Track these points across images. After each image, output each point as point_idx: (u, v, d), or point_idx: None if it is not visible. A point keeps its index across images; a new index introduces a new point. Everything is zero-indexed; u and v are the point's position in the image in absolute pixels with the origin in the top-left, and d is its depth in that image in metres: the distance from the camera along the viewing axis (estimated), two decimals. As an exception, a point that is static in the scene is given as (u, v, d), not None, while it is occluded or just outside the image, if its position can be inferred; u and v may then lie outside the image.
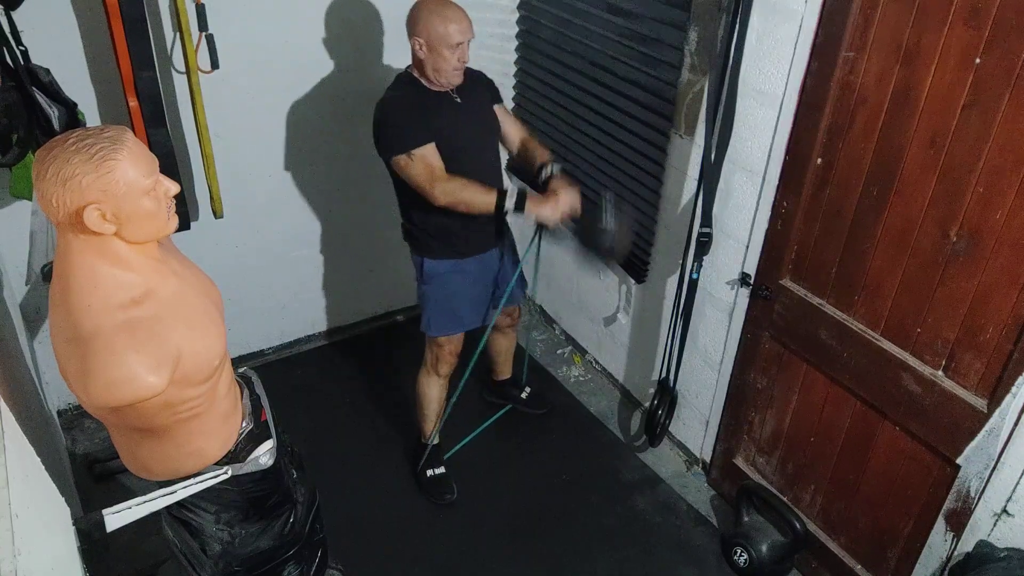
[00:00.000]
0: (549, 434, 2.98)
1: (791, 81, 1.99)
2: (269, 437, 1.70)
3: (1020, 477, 1.74)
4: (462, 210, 2.18)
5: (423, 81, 2.23)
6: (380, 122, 2.22)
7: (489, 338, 2.91)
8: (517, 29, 3.10)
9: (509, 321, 2.83)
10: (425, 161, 2.15)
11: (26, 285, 2.58)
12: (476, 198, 2.16)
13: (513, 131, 2.47)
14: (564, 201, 2.20)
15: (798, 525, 2.31)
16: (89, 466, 2.64)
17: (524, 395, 3.06)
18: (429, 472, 2.72)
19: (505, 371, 3.05)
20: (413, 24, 2.15)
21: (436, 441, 2.75)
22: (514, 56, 3.16)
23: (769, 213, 2.18)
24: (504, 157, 2.52)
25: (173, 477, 1.57)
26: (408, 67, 2.27)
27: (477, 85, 2.37)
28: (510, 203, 2.17)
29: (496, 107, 2.43)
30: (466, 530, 2.58)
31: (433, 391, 2.63)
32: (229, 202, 2.66)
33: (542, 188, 2.33)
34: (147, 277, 1.37)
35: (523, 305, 2.85)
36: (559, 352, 3.43)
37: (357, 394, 3.12)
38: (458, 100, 2.27)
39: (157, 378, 1.30)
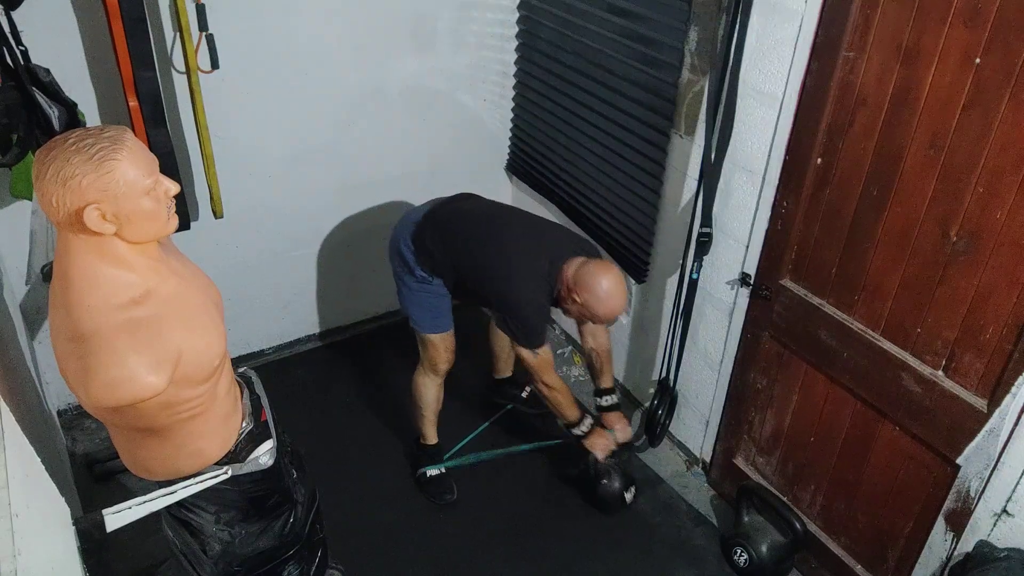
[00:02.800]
0: (548, 434, 2.97)
1: (791, 81, 1.99)
2: (269, 437, 1.70)
3: (1020, 477, 1.74)
4: (549, 404, 2.43)
5: (556, 297, 2.25)
6: (518, 310, 2.24)
7: (491, 336, 2.92)
8: (517, 29, 3.10)
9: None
10: (547, 357, 2.34)
11: (26, 285, 2.58)
12: (567, 410, 2.42)
13: (596, 338, 2.53)
14: (614, 440, 2.51)
15: (798, 525, 2.31)
16: (89, 466, 2.64)
17: (524, 394, 3.06)
18: (429, 472, 2.72)
19: (506, 370, 3.04)
20: (586, 285, 2.13)
21: (435, 441, 2.74)
22: (514, 56, 3.16)
23: (769, 213, 2.18)
24: None
25: (173, 477, 1.57)
26: (558, 268, 2.20)
27: None
28: (580, 431, 2.46)
29: None
30: (466, 530, 2.58)
31: (431, 391, 2.62)
32: (229, 202, 2.66)
33: (596, 410, 2.60)
34: (147, 277, 1.37)
35: None
36: (559, 352, 3.43)
37: (357, 394, 3.11)
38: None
39: (157, 378, 1.30)
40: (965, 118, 1.65)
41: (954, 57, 1.64)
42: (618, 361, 3.14)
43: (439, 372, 2.59)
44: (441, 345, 2.52)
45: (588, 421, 2.48)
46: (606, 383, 2.56)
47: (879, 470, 2.11)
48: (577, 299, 2.17)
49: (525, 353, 2.31)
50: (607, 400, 2.57)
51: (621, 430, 2.55)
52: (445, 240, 2.32)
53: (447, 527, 2.58)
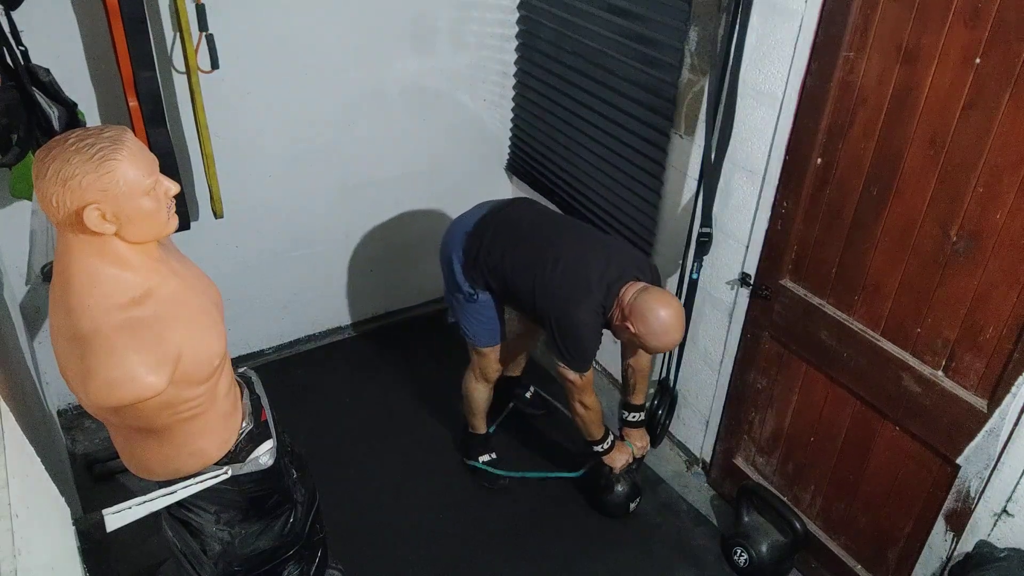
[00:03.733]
0: (548, 434, 2.97)
1: (791, 81, 1.99)
2: (269, 437, 1.70)
3: (1020, 477, 1.74)
4: (578, 420, 2.42)
5: (605, 312, 2.18)
6: (572, 332, 2.18)
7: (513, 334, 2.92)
8: (517, 29, 3.10)
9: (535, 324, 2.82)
10: (589, 378, 2.31)
11: (26, 285, 2.58)
12: (593, 427, 2.42)
13: (636, 357, 2.51)
14: (632, 454, 2.55)
15: (798, 525, 2.31)
16: (89, 466, 2.64)
17: (528, 395, 3.06)
18: (482, 459, 2.77)
19: (516, 369, 3.04)
20: (642, 319, 2.06)
21: (484, 431, 2.79)
22: (514, 56, 3.16)
23: (769, 213, 2.18)
24: None
25: (173, 477, 1.57)
26: (611, 298, 2.14)
27: None
28: (602, 448, 2.48)
29: None
30: (466, 530, 2.58)
31: (481, 395, 2.67)
32: (229, 202, 2.66)
33: (620, 424, 2.66)
34: (147, 277, 1.37)
35: None
36: (559, 352, 3.43)
37: (357, 394, 3.11)
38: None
39: (157, 378, 1.30)
40: (965, 118, 1.65)
41: (954, 57, 1.64)
42: (618, 361, 3.13)
43: (490, 380, 2.62)
44: (493, 356, 2.54)
45: (611, 438, 2.50)
46: (637, 400, 2.59)
47: (879, 470, 2.11)
48: (631, 328, 2.09)
49: (571, 375, 2.26)
50: (634, 416, 2.61)
51: (641, 447, 2.61)
52: (498, 251, 2.27)
53: (447, 527, 2.58)
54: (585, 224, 2.46)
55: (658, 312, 2.04)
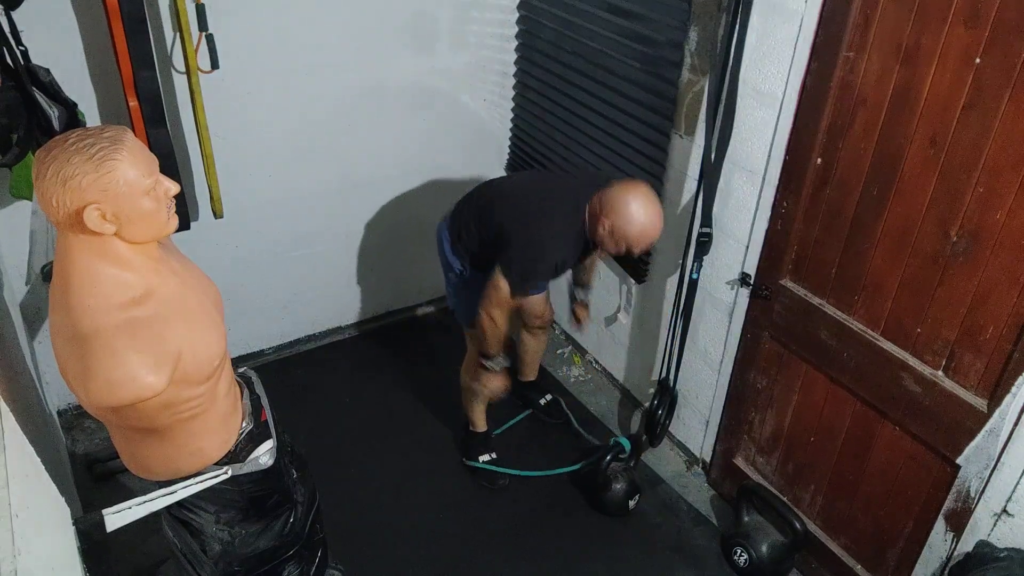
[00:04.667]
0: (549, 434, 2.97)
1: (791, 81, 1.99)
2: (269, 437, 1.70)
3: (1020, 477, 1.74)
4: (481, 328, 2.30)
5: (584, 224, 2.17)
6: (530, 249, 2.17)
7: (519, 336, 2.94)
8: (517, 29, 3.10)
9: (539, 322, 2.84)
10: (515, 304, 2.25)
11: (26, 285, 2.58)
12: (490, 341, 2.32)
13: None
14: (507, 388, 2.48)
15: (798, 525, 2.31)
16: (89, 466, 2.64)
17: (543, 402, 3.06)
18: (482, 459, 2.78)
19: (530, 373, 3.04)
20: (614, 207, 2.05)
21: (484, 429, 2.80)
22: (514, 56, 3.15)
23: (769, 213, 2.18)
24: None
25: (173, 477, 1.57)
26: (582, 207, 2.15)
27: None
28: (489, 364, 2.38)
29: None
30: (466, 530, 2.58)
31: (478, 385, 2.63)
32: (229, 202, 2.66)
33: (571, 302, 2.81)
34: (147, 277, 1.37)
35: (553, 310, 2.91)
36: (559, 352, 3.43)
37: (357, 394, 3.11)
38: (592, 247, 2.27)
39: (157, 378, 1.30)
40: (965, 118, 1.65)
41: (954, 57, 1.64)
42: (618, 361, 3.15)
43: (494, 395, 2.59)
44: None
45: (501, 362, 2.40)
46: (588, 281, 2.76)
47: (879, 470, 2.11)
48: (606, 224, 2.06)
49: (502, 285, 2.18)
50: (583, 294, 2.79)
51: (584, 319, 2.81)
52: (474, 212, 2.34)
53: (447, 527, 2.58)
54: (555, 171, 2.51)
55: (626, 198, 2.04)
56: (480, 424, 2.79)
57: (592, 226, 2.14)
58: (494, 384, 2.46)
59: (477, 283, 2.36)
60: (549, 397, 3.07)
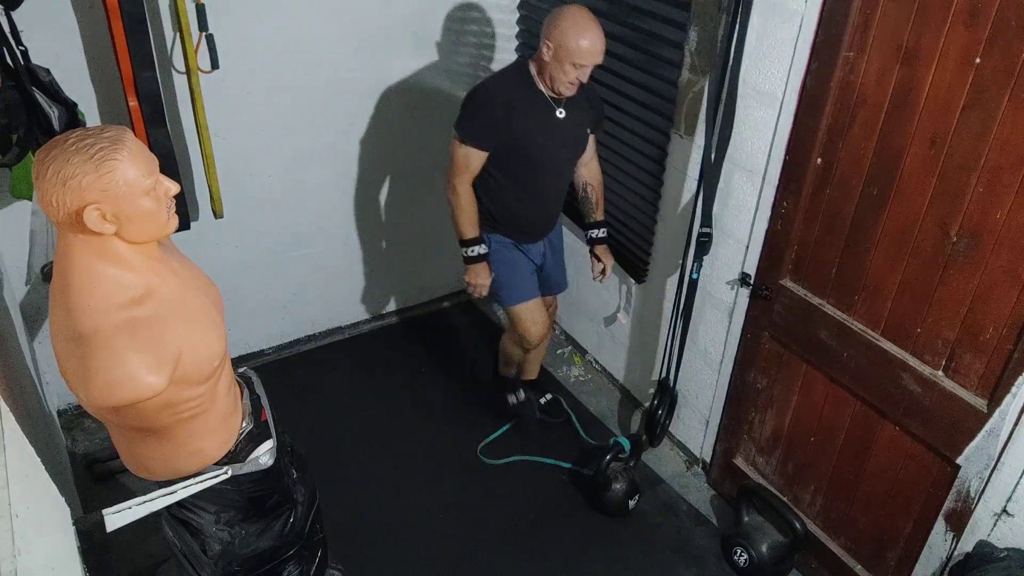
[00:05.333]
0: (549, 434, 2.97)
1: (791, 81, 1.99)
2: (269, 437, 1.70)
3: (1020, 477, 1.74)
4: (450, 208, 2.41)
5: (536, 79, 2.28)
6: (469, 97, 2.32)
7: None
8: (517, 29, 3.10)
9: (532, 340, 2.82)
10: (467, 158, 2.32)
11: (26, 285, 2.58)
12: (463, 221, 2.40)
13: (590, 169, 2.57)
14: (485, 288, 2.51)
15: (798, 525, 2.31)
16: (89, 466, 2.64)
17: (543, 401, 3.06)
18: (511, 399, 2.92)
19: (531, 372, 3.05)
20: (550, 27, 2.16)
21: (512, 375, 2.92)
22: (514, 56, 3.15)
23: (769, 213, 2.18)
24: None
25: (173, 477, 1.57)
26: (532, 56, 2.30)
27: (585, 104, 2.42)
28: (467, 252, 2.44)
29: (591, 135, 2.51)
30: (466, 530, 2.58)
31: (516, 354, 2.78)
32: (229, 202, 2.66)
33: (588, 242, 2.68)
34: (147, 277, 1.37)
35: (556, 308, 2.93)
36: (559, 352, 3.44)
37: (357, 394, 3.11)
38: (560, 114, 2.32)
39: (157, 378, 1.30)
40: (965, 118, 1.65)
41: (954, 57, 1.64)
42: (618, 361, 3.15)
43: (525, 345, 2.68)
44: (525, 315, 2.58)
45: (479, 250, 2.45)
46: (599, 216, 2.65)
47: (879, 470, 2.11)
48: (548, 48, 2.16)
49: (453, 142, 2.30)
50: (599, 232, 2.66)
51: (606, 259, 2.67)
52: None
53: (447, 527, 2.58)
54: None
55: (560, 15, 2.15)
56: (508, 373, 2.91)
57: (540, 67, 2.24)
58: (477, 284, 2.49)
59: (503, 250, 2.51)
60: (549, 396, 3.07)
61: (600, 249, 2.68)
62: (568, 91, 2.26)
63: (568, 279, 2.86)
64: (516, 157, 2.34)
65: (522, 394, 2.93)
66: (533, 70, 2.29)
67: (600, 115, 2.53)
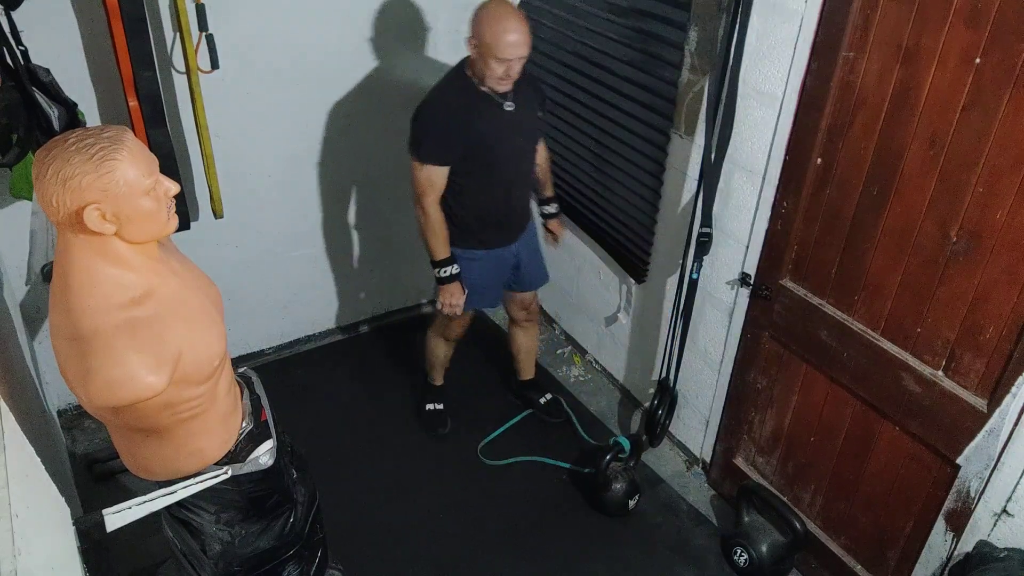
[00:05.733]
0: (549, 434, 2.97)
1: (791, 81, 1.99)
2: (269, 437, 1.70)
3: (1020, 477, 1.74)
4: (420, 229, 2.43)
5: (474, 79, 2.28)
6: (416, 117, 2.30)
7: (509, 332, 2.98)
8: (517, 29, 3.09)
9: (525, 315, 2.87)
10: (430, 178, 2.31)
11: (26, 285, 2.58)
12: (433, 242, 2.41)
13: (538, 151, 2.59)
14: (458, 304, 2.51)
15: (798, 525, 2.31)
16: (89, 466, 2.64)
17: (543, 401, 3.06)
18: (428, 406, 2.96)
19: (527, 371, 3.05)
20: (472, 23, 2.18)
21: (440, 383, 2.97)
22: (514, 56, 3.15)
23: (769, 213, 2.18)
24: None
25: (173, 477, 1.57)
26: (464, 70, 2.30)
27: (531, 93, 2.43)
28: (440, 273, 2.45)
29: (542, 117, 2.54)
30: (466, 530, 2.58)
31: (440, 350, 2.85)
32: (229, 202, 2.66)
33: (542, 217, 2.77)
34: (147, 277, 1.37)
35: (537, 301, 2.91)
36: (559, 352, 3.44)
37: (357, 394, 3.11)
38: (509, 107, 2.31)
39: (157, 378, 1.30)
40: (965, 118, 1.65)
41: (954, 57, 1.64)
42: (618, 361, 3.15)
43: (450, 339, 2.80)
44: (457, 321, 2.67)
45: (452, 271, 2.44)
46: (548, 192, 2.75)
47: (879, 470, 2.11)
48: (473, 46, 2.17)
49: (413, 165, 2.30)
50: (550, 208, 2.77)
51: (558, 231, 2.81)
52: None
53: (447, 527, 2.58)
54: None
55: (480, 11, 2.15)
56: (437, 379, 2.96)
57: (472, 64, 2.24)
58: (449, 304, 2.50)
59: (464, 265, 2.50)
60: (549, 396, 3.07)
61: (552, 223, 2.79)
62: (501, 86, 2.24)
63: (548, 272, 2.84)
64: (476, 162, 2.32)
65: (440, 406, 2.95)
66: (469, 72, 2.28)
67: (544, 96, 2.57)
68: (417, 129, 2.28)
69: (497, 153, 2.34)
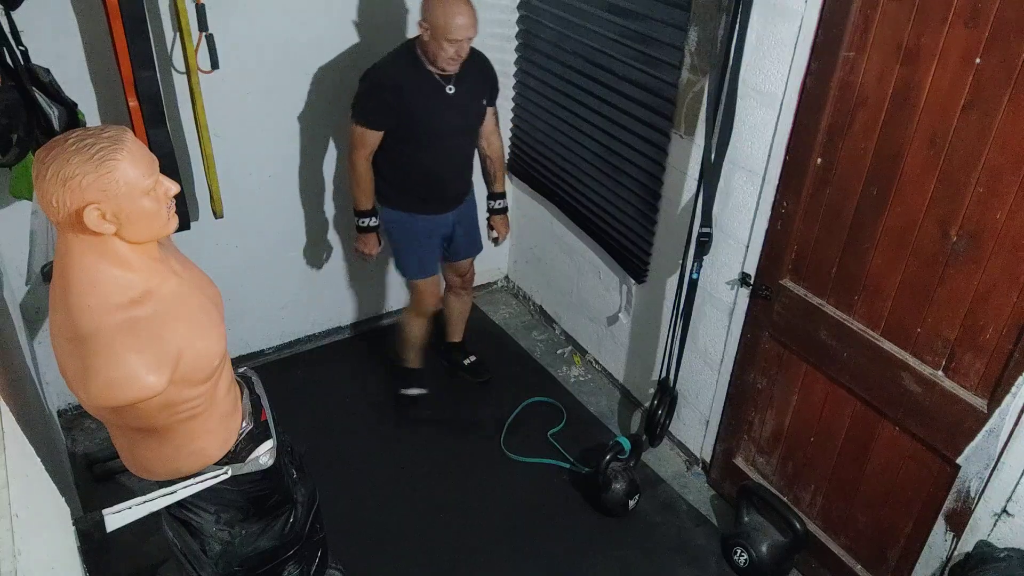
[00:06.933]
0: (548, 435, 2.97)
1: (791, 81, 1.99)
2: (269, 437, 1.70)
3: (1020, 477, 1.74)
4: (349, 183, 2.58)
5: (423, 58, 2.39)
6: (362, 79, 2.45)
7: (444, 297, 3.04)
8: (517, 29, 3.10)
9: (460, 282, 2.95)
10: (362, 137, 2.46)
11: (26, 285, 2.58)
12: (357, 194, 2.56)
13: (490, 143, 2.70)
14: (372, 253, 2.70)
15: (798, 525, 2.31)
16: (89, 466, 2.64)
17: (467, 362, 3.17)
18: (406, 391, 3.01)
19: (455, 334, 3.17)
20: (424, 6, 2.31)
21: (417, 365, 3.01)
22: (514, 56, 3.16)
23: (769, 213, 2.18)
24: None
25: (173, 477, 1.57)
26: (417, 37, 2.41)
27: (479, 78, 2.53)
28: (361, 223, 2.62)
29: (489, 108, 2.62)
30: (466, 530, 2.57)
31: (415, 328, 2.90)
32: (229, 202, 2.66)
33: (488, 212, 2.86)
34: (147, 277, 1.37)
35: (473, 270, 2.99)
36: (559, 352, 3.44)
37: (357, 394, 3.11)
38: (450, 90, 2.43)
39: (157, 378, 1.30)
40: (965, 118, 1.65)
41: (954, 57, 1.64)
42: (618, 361, 3.15)
43: (423, 313, 2.85)
44: (425, 289, 2.75)
45: (370, 222, 2.62)
46: (499, 188, 2.83)
47: (879, 470, 2.11)
48: (426, 28, 2.29)
49: (352, 123, 2.45)
50: (496, 204, 2.85)
51: (500, 229, 2.88)
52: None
53: (447, 527, 2.58)
54: None
55: None
56: (413, 361, 2.99)
57: (424, 45, 2.36)
58: (365, 249, 2.66)
59: (396, 225, 2.65)
60: (473, 358, 3.17)
61: (496, 219, 2.86)
62: (451, 67, 2.38)
63: (483, 244, 2.93)
64: (410, 135, 2.47)
65: (416, 391, 3.01)
66: (419, 50, 2.39)
67: (496, 86, 2.63)
68: (360, 90, 2.44)
69: (430, 132, 2.48)
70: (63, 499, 1.52)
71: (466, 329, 3.16)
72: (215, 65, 2.45)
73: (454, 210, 2.69)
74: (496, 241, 2.92)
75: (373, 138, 2.45)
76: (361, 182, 2.53)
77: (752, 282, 2.31)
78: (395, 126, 2.44)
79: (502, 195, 2.84)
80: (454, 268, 2.90)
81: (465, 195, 2.72)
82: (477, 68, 2.51)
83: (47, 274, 2.26)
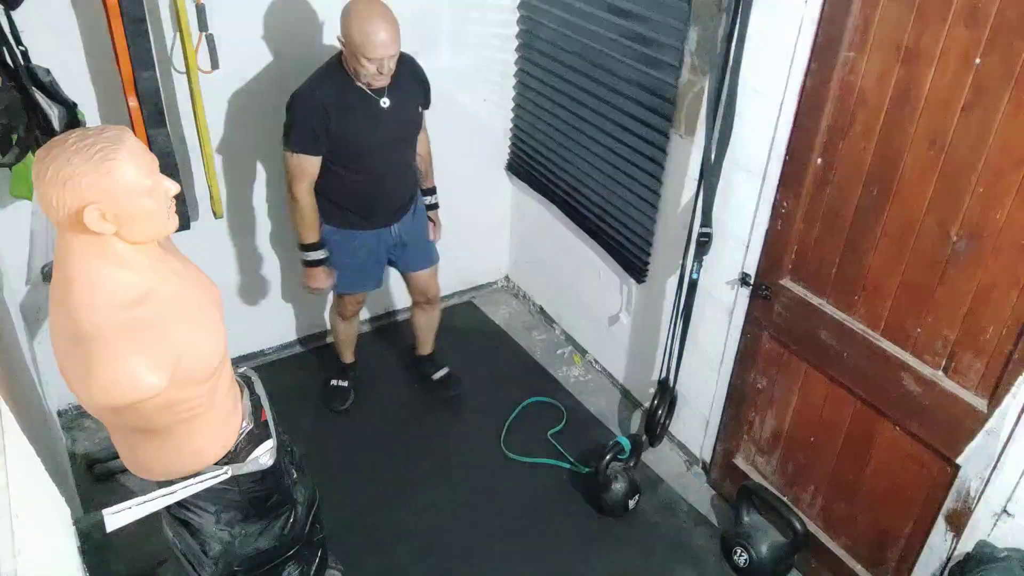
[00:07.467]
0: (548, 435, 2.97)
1: (791, 81, 1.99)
2: (269, 437, 1.70)
3: (1020, 477, 1.74)
4: (292, 216, 2.49)
5: (350, 73, 2.29)
6: (289, 106, 2.33)
7: (413, 316, 3.05)
8: (517, 29, 3.10)
9: (423, 298, 2.91)
10: (301, 166, 2.36)
11: (26, 285, 2.57)
12: (302, 228, 2.46)
13: (420, 142, 2.64)
14: (330, 281, 2.60)
15: (798, 525, 2.31)
16: (89, 466, 2.64)
17: (436, 377, 3.13)
18: (332, 382, 3.03)
19: (424, 347, 3.13)
20: (341, 22, 2.18)
21: (350, 361, 3.05)
22: (514, 56, 3.15)
23: (769, 213, 2.18)
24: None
25: (173, 477, 1.57)
26: (334, 66, 2.32)
27: (412, 85, 2.46)
28: (307, 257, 2.51)
29: (422, 111, 2.56)
30: (466, 530, 2.58)
31: (340, 328, 2.95)
32: (229, 202, 2.66)
33: (426, 208, 2.78)
34: (147, 277, 1.37)
35: (437, 286, 2.94)
36: (559, 352, 3.43)
37: (357, 394, 3.11)
38: (384, 103, 2.36)
39: (157, 378, 1.30)
40: (965, 118, 1.65)
41: (954, 57, 1.64)
42: (618, 361, 3.15)
43: (346, 317, 2.88)
44: (349, 301, 2.79)
45: (319, 256, 2.52)
46: (429, 184, 2.77)
47: (879, 470, 2.11)
48: (344, 44, 2.16)
49: (284, 152, 2.34)
50: (430, 199, 2.78)
51: (436, 225, 2.81)
52: None
53: (447, 527, 2.58)
54: None
55: (347, 10, 2.15)
56: (345, 356, 3.03)
57: (347, 60, 2.24)
58: (315, 284, 2.57)
59: (335, 246, 2.56)
60: (444, 371, 3.13)
61: (433, 214, 2.80)
62: (377, 82, 2.27)
63: (439, 252, 2.87)
64: (347, 154, 2.37)
65: (344, 383, 3.02)
66: (345, 65, 2.28)
67: (428, 89, 2.55)
68: (289, 116, 2.32)
69: (370, 146, 2.40)
70: (63, 499, 1.52)
71: (436, 340, 3.11)
72: (215, 65, 2.45)
73: (399, 221, 2.62)
74: (434, 233, 2.83)
75: (313, 165, 2.35)
76: (306, 216, 2.42)
77: (752, 282, 2.31)
78: (331, 147, 2.34)
79: (433, 191, 2.78)
80: (414, 285, 2.85)
81: (410, 205, 2.65)
82: (409, 73, 2.41)
83: (47, 274, 2.26)
